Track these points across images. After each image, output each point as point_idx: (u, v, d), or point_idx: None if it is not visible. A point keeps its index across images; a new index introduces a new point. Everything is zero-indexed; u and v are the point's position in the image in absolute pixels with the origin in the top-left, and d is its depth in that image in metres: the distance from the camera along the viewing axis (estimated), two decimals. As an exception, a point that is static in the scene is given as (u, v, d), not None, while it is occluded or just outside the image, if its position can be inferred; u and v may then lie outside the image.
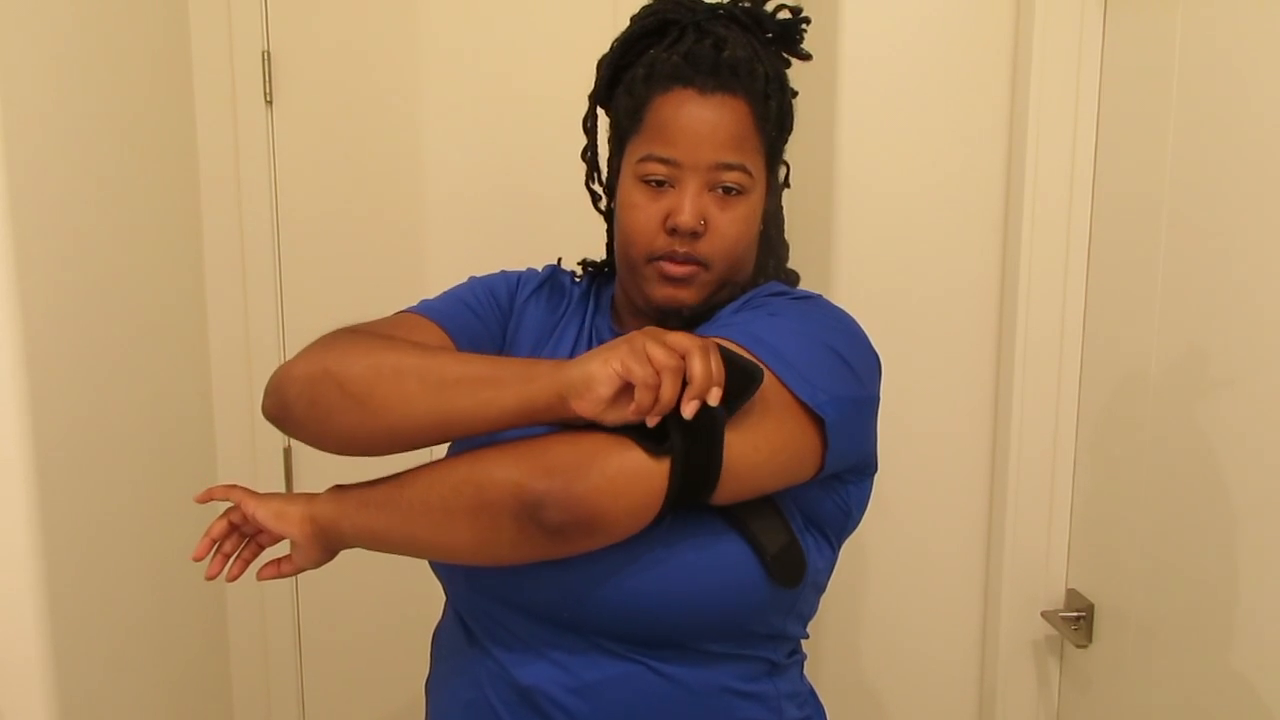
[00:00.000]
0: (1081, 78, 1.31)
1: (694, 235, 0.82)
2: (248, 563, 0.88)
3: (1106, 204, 1.31)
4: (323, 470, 1.82)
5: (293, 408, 0.79)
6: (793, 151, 1.69)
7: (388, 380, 0.74)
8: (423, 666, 0.98)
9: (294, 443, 1.75)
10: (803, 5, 0.91)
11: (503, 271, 0.99)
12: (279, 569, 0.86)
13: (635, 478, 0.71)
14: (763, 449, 0.74)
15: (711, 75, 0.82)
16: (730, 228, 0.84)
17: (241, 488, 0.85)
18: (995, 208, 1.40)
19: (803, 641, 0.94)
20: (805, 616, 0.90)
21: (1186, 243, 1.12)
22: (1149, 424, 1.19)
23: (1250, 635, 1.03)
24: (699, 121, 0.82)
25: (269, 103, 1.67)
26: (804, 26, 0.90)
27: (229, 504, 0.86)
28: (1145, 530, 1.21)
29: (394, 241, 1.72)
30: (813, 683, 0.96)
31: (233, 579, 0.88)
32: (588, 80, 0.93)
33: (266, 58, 1.65)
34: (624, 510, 0.72)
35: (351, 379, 0.75)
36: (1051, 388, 1.37)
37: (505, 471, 0.72)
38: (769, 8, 0.89)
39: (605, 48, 0.91)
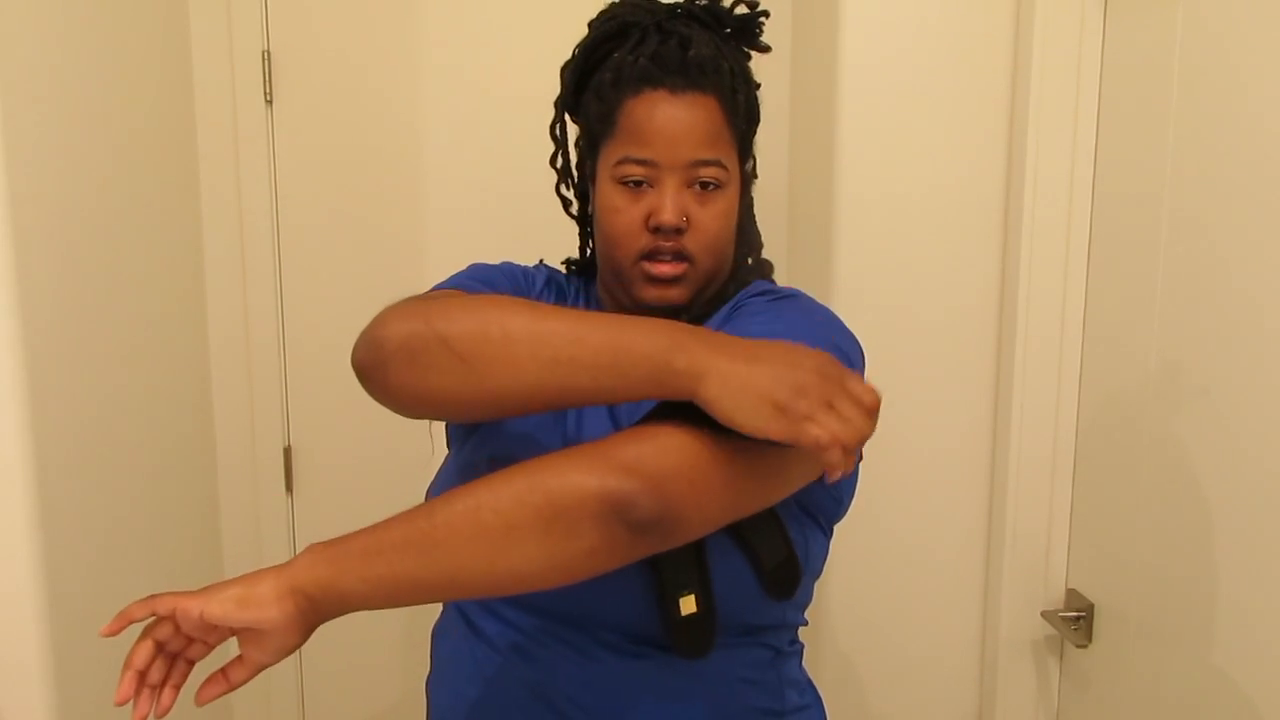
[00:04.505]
0: (1081, 78, 1.31)
1: (677, 232, 0.84)
2: (178, 688, 0.71)
3: (1106, 204, 1.31)
4: (324, 470, 1.83)
5: (390, 362, 0.72)
6: (793, 153, 1.70)
7: (496, 344, 0.68)
8: (423, 665, 0.98)
9: (294, 442, 1.75)
10: (797, 5, 0.91)
11: (508, 262, 0.99)
12: (228, 679, 0.70)
13: (715, 473, 0.68)
14: (792, 455, 0.73)
15: (680, 75, 0.83)
16: (711, 223, 0.85)
17: (167, 594, 0.68)
18: (995, 208, 1.40)
19: (801, 636, 0.95)
20: (803, 604, 0.91)
21: (1186, 244, 1.13)
22: (1149, 424, 1.20)
23: (1250, 635, 1.03)
24: (673, 121, 0.83)
25: (269, 103, 1.67)
26: (762, 20, 0.91)
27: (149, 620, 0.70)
28: (1145, 530, 1.21)
29: (394, 241, 1.72)
30: (813, 681, 0.97)
31: (163, 713, 0.70)
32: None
33: (266, 58, 1.65)
34: (709, 505, 0.69)
35: (459, 337, 0.69)
36: (1051, 388, 1.37)
37: (581, 474, 0.65)
38: (726, 3, 0.90)
39: None
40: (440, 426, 0.97)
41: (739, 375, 0.64)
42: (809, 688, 0.95)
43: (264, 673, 0.95)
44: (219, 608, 0.66)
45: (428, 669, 0.98)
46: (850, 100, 1.38)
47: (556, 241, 1.04)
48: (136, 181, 1.44)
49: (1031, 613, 1.41)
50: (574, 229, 1.00)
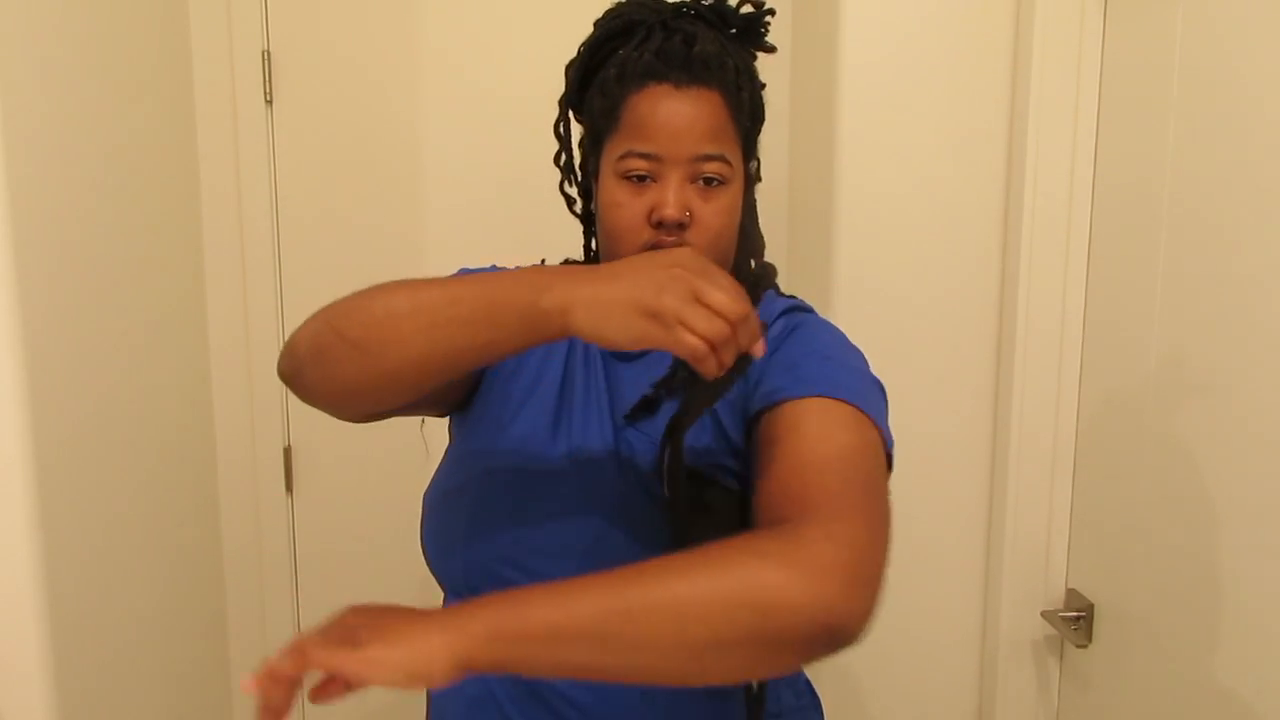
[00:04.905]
0: (1081, 78, 1.31)
1: (680, 227, 0.83)
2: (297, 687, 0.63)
3: (1106, 204, 1.31)
4: (324, 470, 1.83)
5: (303, 364, 0.75)
6: (793, 151, 1.70)
7: (380, 323, 0.71)
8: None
9: (295, 442, 1.75)
10: (797, 5, 0.91)
11: (495, 266, 0.97)
12: (350, 684, 0.62)
13: (885, 559, 0.66)
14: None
15: (684, 70, 0.83)
16: (714, 219, 0.84)
17: (317, 649, 0.59)
18: (995, 207, 1.40)
19: None
20: None
21: (1186, 242, 1.12)
22: (1149, 423, 1.19)
23: (1250, 635, 1.03)
24: (677, 115, 0.83)
25: (269, 103, 1.67)
26: (768, 20, 0.90)
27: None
28: (1145, 530, 1.21)
29: (394, 241, 1.72)
30: (812, 682, 0.97)
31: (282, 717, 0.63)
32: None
33: (266, 58, 1.65)
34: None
35: (349, 325, 0.72)
36: (1051, 388, 1.37)
37: (798, 592, 0.60)
38: (732, 2, 0.89)
39: None
40: (431, 429, 0.97)
41: (602, 295, 0.64)
42: (806, 688, 0.95)
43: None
44: (387, 678, 0.59)
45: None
46: (850, 100, 1.38)
47: (557, 242, 1.04)
48: (136, 181, 1.44)
49: (1031, 613, 1.41)
50: (575, 228, 1.00)
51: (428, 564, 0.90)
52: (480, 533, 0.85)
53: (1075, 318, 1.36)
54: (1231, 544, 1.05)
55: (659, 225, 0.83)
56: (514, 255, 1.05)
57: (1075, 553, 1.39)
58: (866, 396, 0.77)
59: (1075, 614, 1.35)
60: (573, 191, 0.97)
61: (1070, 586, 1.40)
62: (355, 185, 1.70)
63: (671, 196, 0.82)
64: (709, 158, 0.83)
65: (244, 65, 1.65)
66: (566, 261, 1.02)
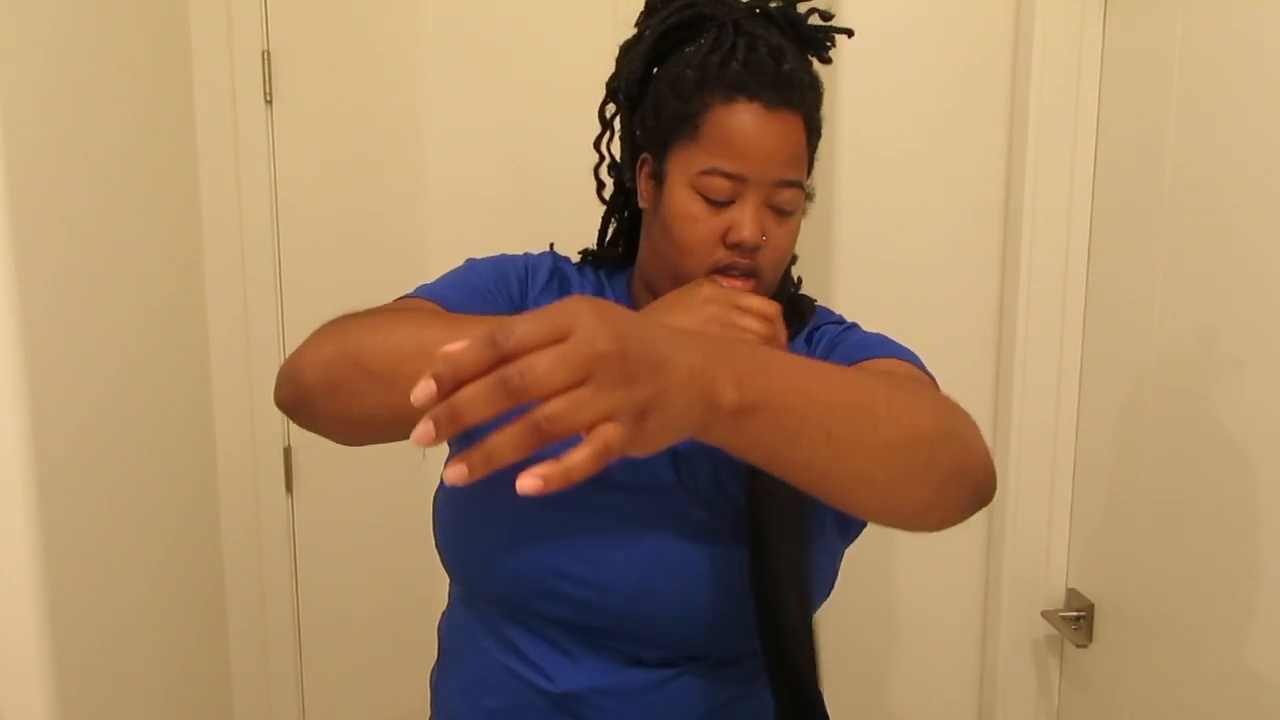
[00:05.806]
0: (1081, 78, 1.31)
1: (754, 249, 0.82)
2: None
3: (1106, 202, 1.31)
4: (324, 470, 1.82)
5: (312, 394, 0.71)
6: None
7: (413, 360, 0.67)
8: (424, 662, 0.98)
9: (295, 442, 1.75)
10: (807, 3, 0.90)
11: (504, 255, 0.95)
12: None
13: None
14: None
15: (774, 89, 0.80)
16: (784, 241, 0.84)
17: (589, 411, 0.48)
18: (995, 207, 1.40)
19: None
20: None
21: (1186, 240, 1.13)
22: (1149, 423, 1.20)
23: (1251, 634, 1.03)
24: (768, 137, 0.80)
25: (269, 103, 1.67)
26: (836, 35, 0.89)
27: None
28: (1145, 530, 1.21)
29: (394, 241, 1.72)
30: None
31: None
32: (589, 79, 0.92)
33: (266, 58, 1.66)
34: None
35: (373, 358, 0.69)
36: (1051, 387, 1.37)
37: (976, 438, 0.69)
38: (801, 9, 0.87)
39: (605, 46, 0.89)
40: None
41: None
42: None
43: (263, 671, 0.88)
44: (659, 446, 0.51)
45: (429, 669, 0.97)
46: (850, 100, 1.38)
47: (557, 241, 1.04)
48: (136, 181, 1.44)
49: (1031, 613, 1.41)
50: (577, 226, 0.98)
51: (447, 566, 0.89)
52: (525, 544, 0.83)
53: (1075, 319, 1.36)
54: (1231, 543, 1.05)
55: (734, 247, 0.81)
56: (516, 251, 1.04)
57: (1075, 553, 1.39)
58: (928, 369, 0.85)
59: (1075, 614, 1.35)
60: (606, 178, 0.94)
61: (1070, 586, 1.40)
62: (355, 185, 1.71)
63: (750, 220, 0.81)
64: (788, 184, 0.82)
65: (244, 65, 1.65)
66: (583, 253, 0.99)
